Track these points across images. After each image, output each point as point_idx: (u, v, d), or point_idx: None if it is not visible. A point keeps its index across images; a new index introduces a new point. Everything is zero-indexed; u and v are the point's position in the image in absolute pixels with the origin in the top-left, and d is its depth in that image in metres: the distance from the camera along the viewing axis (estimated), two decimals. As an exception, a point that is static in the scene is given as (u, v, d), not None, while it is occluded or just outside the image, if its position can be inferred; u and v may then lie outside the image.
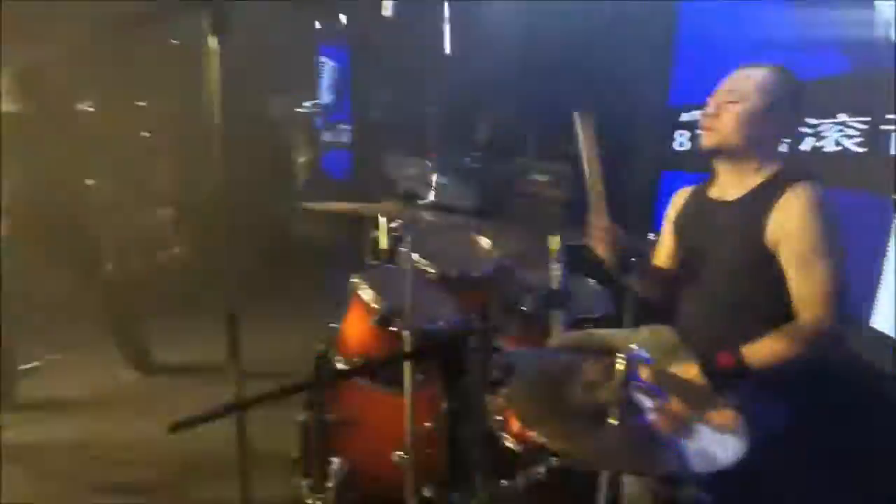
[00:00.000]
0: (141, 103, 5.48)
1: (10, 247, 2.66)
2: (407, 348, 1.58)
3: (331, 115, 6.43)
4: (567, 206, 4.31)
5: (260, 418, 1.49)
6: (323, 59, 6.36)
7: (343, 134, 6.40)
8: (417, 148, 4.95)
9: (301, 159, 6.24)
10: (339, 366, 1.79)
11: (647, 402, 1.16)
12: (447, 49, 2.35)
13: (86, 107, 3.01)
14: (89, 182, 2.93)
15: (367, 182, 5.53)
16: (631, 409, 1.14)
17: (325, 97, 6.49)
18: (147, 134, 5.04)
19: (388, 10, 1.84)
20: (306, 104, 6.55)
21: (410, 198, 1.52)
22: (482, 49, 3.36)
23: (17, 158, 2.58)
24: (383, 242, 2.18)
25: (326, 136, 6.42)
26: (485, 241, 2.37)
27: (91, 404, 2.86)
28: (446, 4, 2.28)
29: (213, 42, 1.35)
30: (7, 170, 2.54)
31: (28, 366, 2.98)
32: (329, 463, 1.79)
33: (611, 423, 1.09)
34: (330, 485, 1.78)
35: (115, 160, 3.36)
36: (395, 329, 1.69)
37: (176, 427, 0.85)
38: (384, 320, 1.70)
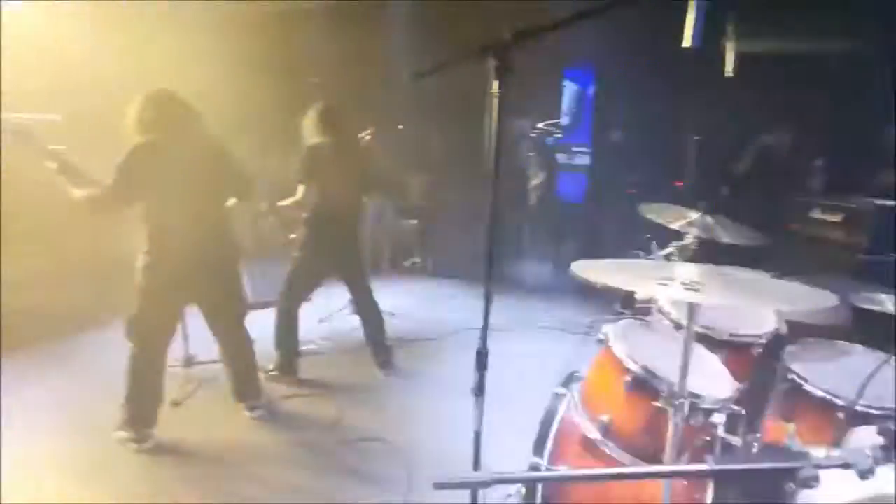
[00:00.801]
0: (399, 126, 6.27)
1: (304, 246, 3.25)
2: (671, 426, 1.36)
3: (568, 136, 6.37)
4: (861, 253, 3.40)
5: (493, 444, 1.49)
6: (564, 81, 6.36)
7: (579, 157, 6.28)
8: (663, 174, 4.54)
9: (534, 181, 6.34)
10: (578, 419, 1.66)
11: None
12: (729, 71, 2.03)
13: (366, 135, 3.50)
14: (364, 199, 3.42)
15: (601, 207, 5.31)
16: None
17: (564, 118, 6.47)
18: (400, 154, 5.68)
19: (689, 40, 1.66)
20: (540, 125, 6.61)
21: (687, 251, 1.30)
22: (766, 67, 2.86)
23: (317, 179, 3.13)
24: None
25: (561, 158, 6.38)
26: (760, 298, 1.97)
27: (345, 392, 3.29)
28: (730, 26, 1.98)
29: (496, 85, 1.40)
30: (310, 188, 3.11)
31: (305, 347, 3.60)
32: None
33: None
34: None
35: (381, 178, 3.85)
36: (654, 400, 1.48)
37: (441, 485, 0.84)
38: (639, 385, 1.51)
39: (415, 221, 6.06)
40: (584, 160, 6.22)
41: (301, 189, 3.09)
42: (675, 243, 2.14)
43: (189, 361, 3.25)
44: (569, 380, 1.79)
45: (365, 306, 3.48)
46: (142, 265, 2.53)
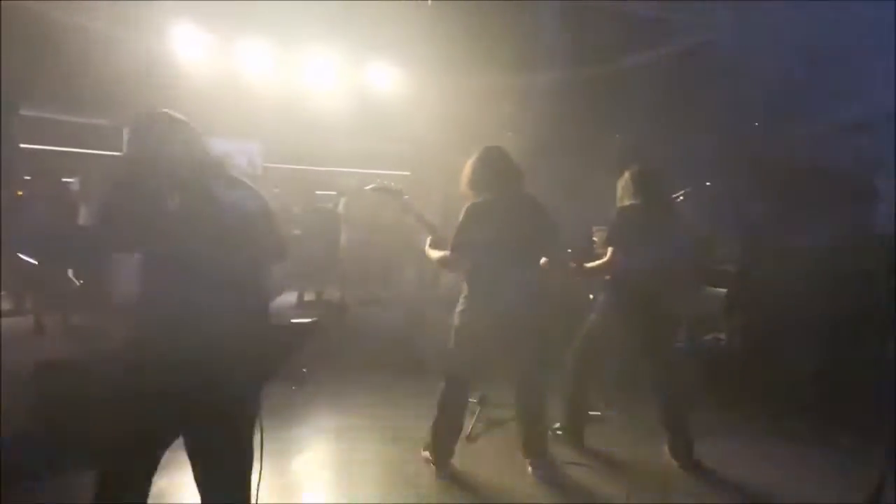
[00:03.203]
0: (707, 183, 5.66)
1: (604, 309, 3.13)
2: None
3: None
4: None
5: None
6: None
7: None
8: None
9: None
10: None
11: None
12: None
13: (679, 196, 3.25)
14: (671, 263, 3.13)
15: None
16: None
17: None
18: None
19: None
20: None
21: None
22: None
23: (627, 242, 3.01)
24: None
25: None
26: None
27: (632, 472, 2.94)
28: None
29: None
30: (618, 250, 3.01)
31: (594, 413, 3.44)
32: None
33: None
34: None
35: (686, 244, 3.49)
36: None
37: None
38: None
39: (721, 290, 5.29)
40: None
41: (610, 251, 3.02)
42: None
43: (483, 400, 3.48)
44: None
45: (662, 383, 3.12)
46: (460, 309, 2.84)
